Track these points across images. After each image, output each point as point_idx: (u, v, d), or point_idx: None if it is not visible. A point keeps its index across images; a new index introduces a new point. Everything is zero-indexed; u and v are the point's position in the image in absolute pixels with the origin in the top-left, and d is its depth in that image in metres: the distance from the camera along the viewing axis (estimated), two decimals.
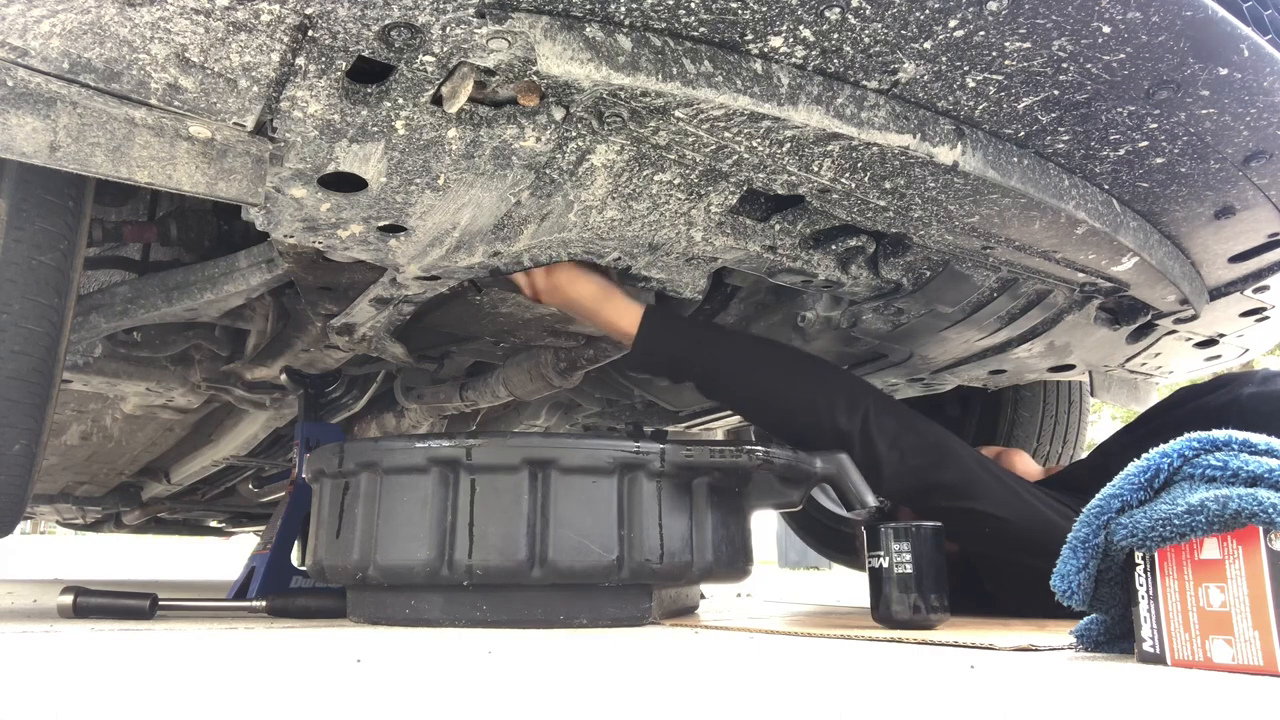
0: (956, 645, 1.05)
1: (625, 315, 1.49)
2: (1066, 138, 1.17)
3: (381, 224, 1.19)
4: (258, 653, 0.95)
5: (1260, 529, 0.82)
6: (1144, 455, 0.97)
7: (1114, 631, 1.00)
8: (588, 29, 0.92)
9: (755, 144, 1.08)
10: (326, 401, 2.07)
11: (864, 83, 1.04)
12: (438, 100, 0.97)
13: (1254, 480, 0.87)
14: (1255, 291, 1.69)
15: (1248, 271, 1.63)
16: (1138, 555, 0.92)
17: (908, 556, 1.24)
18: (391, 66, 0.93)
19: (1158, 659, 0.89)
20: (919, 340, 1.70)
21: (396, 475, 1.31)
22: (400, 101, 0.97)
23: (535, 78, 0.96)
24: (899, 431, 1.42)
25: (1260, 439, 0.94)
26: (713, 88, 0.97)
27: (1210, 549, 0.86)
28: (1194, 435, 0.96)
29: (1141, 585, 0.91)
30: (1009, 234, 1.31)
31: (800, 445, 1.42)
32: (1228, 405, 1.47)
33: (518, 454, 1.28)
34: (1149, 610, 0.91)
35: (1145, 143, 1.20)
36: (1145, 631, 0.91)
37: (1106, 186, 1.29)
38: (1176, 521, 0.88)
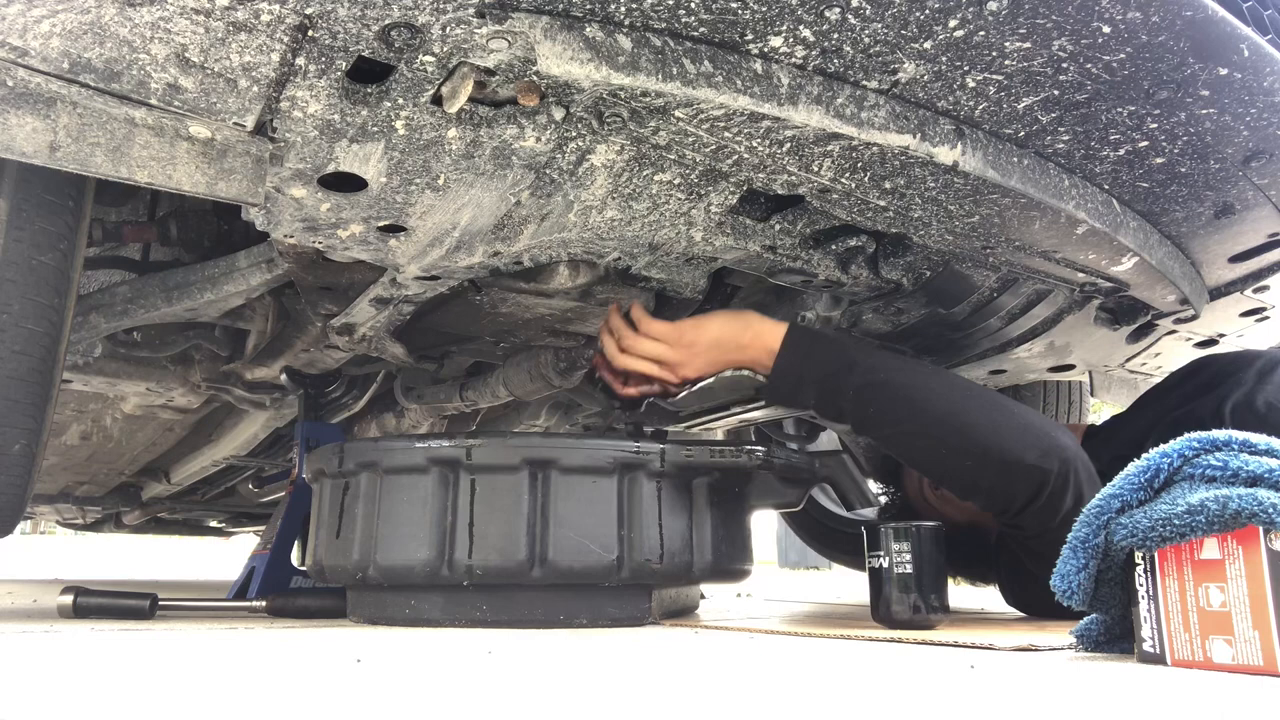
0: (956, 645, 1.05)
1: (768, 333, 1.34)
2: (1066, 138, 1.17)
3: (381, 224, 1.19)
4: (258, 653, 0.95)
5: (1260, 529, 0.82)
6: (1144, 455, 0.97)
7: (1114, 631, 1.00)
8: (588, 29, 0.92)
9: (755, 144, 1.08)
10: (326, 401, 2.07)
11: (864, 83, 1.04)
12: (438, 100, 0.97)
13: (1254, 480, 0.87)
14: (1255, 291, 1.69)
15: (1248, 271, 1.63)
16: (1138, 555, 0.92)
17: (908, 556, 1.24)
18: (391, 66, 0.93)
19: (1158, 659, 0.89)
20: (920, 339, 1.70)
21: (396, 475, 1.31)
22: (400, 101, 0.97)
23: (535, 78, 0.96)
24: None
25: (1260, 439, 0.94)
26: (713, 88, 0.97)
27: (1210, 549, 0.86)
28: (1194, 435, 0.96)
29: (1141, 585, 0.92)
30: (1009, 234, 1.31)
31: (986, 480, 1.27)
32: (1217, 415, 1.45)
33: (518, 454, 1.28)
34: (1149, 610, 0.91)
35: (1145, 143, 1.20)
36: (1145, 631, 0.91)
37: (1106, 186, 1.29)
38: (1176, 521, 0.88)
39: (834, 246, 1.36)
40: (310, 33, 0.87)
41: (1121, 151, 1.21)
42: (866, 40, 0.98)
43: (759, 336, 1.34)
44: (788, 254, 1.36)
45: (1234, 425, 1.39)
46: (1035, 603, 1.53)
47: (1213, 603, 0.85)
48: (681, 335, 1.35)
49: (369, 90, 0.95)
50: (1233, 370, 1.51)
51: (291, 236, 1.21)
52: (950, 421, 1.27)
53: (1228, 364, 1.55)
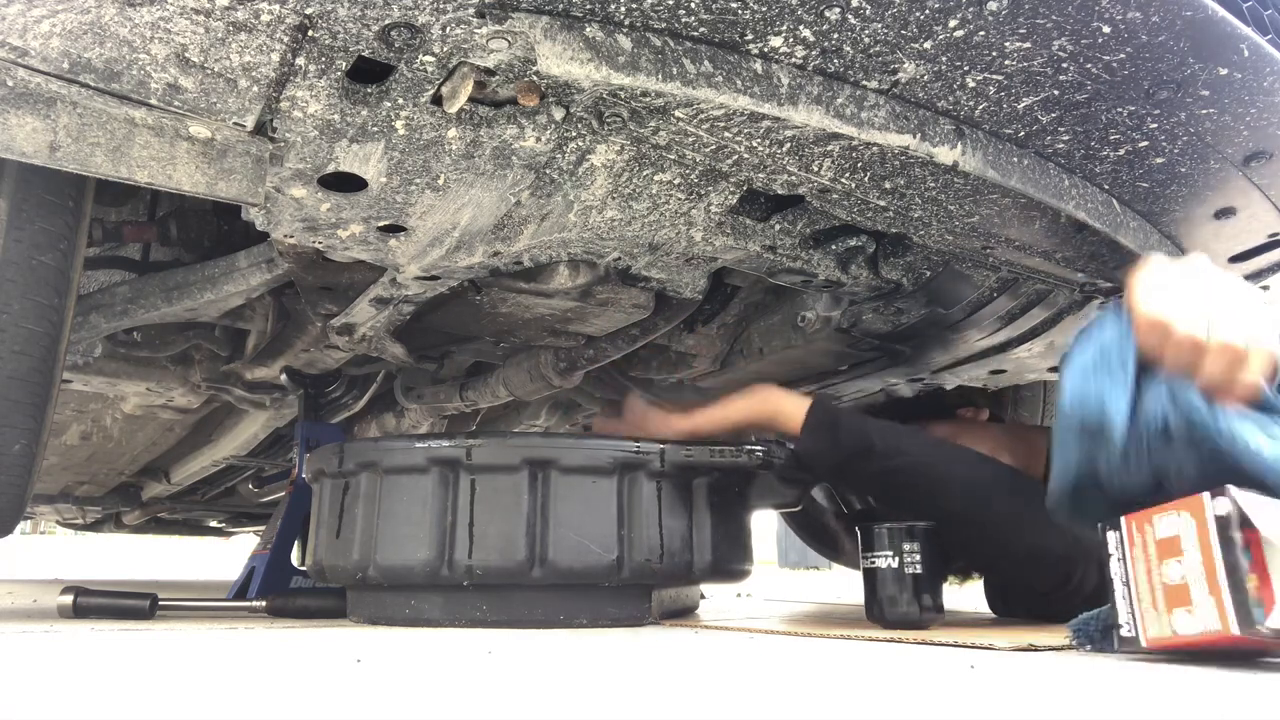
0: (956, 645, 1.05)
1: (788, 411, 1.43)
2: (1066, 138, 1.17)
3: (381, 224, 1.19)
4: (258, 653, 0.95)
5: (1205, 499, 0.85)
6: None
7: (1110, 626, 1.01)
8: (588, 29, 0.92)
9: (755, 144, 1.08)
10: (326, 401, 2.07)
11: (864, 83, 1.04)
12: (438, 100, 0.97)
13: None
14: None
15: (1248, 272, 1.63)
16: (1112, 543, 0.94)
17: (904, 557, 1.24)
18: (391, 66, 0.93)
19: (1134, 641, 0.92)
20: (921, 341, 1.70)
21: (396, 475, 1.31)
22: (400, 101, 0.97)
23: (535, 78, 0.96)
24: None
25: None
26: (713, 88, 0.97)
27: (1167, 525, 0.89)
28: None
29: (1117, 574, 0.94)
30: (1009, 234, 1.31)
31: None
32: None
33: (518, 454, 1.28)
34: (1124, 596, 0.93)
35: (1145, 143, 1.20)
36: (1122, 617, 0.93)
37: (1106, 186, 1.29)
38: None
39: (834, 246, 1.36)
40: (310, 33, 0.87)
41: (1121, 151, 1.21)
42: (866, 40, 0.98)
43: (778, 414, 1.43)
44: (788, 254, 1.36)
45: None
46: (1019, 606, 1.53)
47: (1173, 577, 0.88)
48: (712, 420, 1.48)
49: (369, 90, 0.95)
50: None
51: (291, 236, 1.21)
52: (972, 514, 1.31)
53: None
